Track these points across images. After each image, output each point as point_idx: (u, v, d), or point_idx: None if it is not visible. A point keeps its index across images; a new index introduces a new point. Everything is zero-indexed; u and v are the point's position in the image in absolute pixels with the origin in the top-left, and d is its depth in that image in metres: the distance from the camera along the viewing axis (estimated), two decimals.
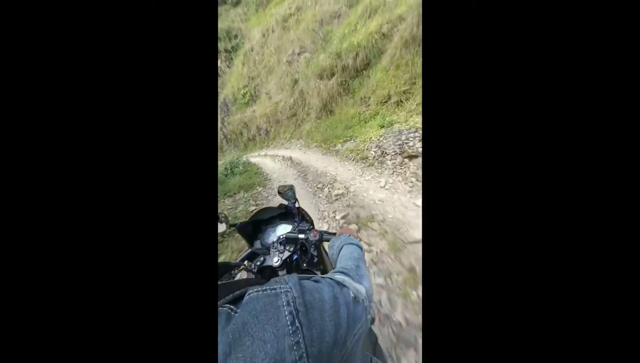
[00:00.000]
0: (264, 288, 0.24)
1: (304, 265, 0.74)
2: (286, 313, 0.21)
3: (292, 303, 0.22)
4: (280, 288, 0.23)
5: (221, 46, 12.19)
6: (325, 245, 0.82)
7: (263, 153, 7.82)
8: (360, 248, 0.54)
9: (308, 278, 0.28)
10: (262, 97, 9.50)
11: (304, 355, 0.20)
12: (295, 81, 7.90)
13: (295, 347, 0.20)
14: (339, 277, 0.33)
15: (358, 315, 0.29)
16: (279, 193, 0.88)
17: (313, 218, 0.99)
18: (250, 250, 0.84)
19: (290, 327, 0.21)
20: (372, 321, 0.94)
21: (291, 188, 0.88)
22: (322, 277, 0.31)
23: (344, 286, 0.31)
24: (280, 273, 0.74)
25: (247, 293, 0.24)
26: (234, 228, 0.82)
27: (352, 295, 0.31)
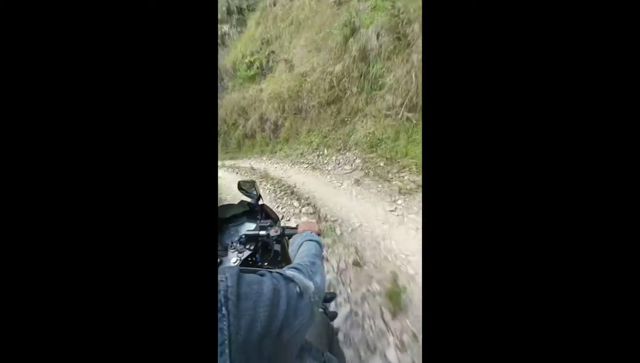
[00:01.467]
0: None
1: (265, 263, 0.72)
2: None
3: (222, 292, 0.23)
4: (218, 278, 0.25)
5: (234, 3, 8.64)
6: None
7: (257, 165, 3.86)
8: (320, 244, 0.56)
9: (255, 272, 0.31)
10: (280, 66, 5.53)
11: (226, 341, 0.22)
12: (348, 35, 3.83)
13: (219, 333, 0.22)
14: (289, 272, 0.35)
15: (300, 310, 0.31)
16: (240, 188, 0.84)
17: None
18: None
19: (218, 314, 0.22)
20: (334, 316, 0.99)
21: (253, 183, 0.84)
22: (271, 271, 0.33)
23: (292, 281, 0.33)
24: None
25: None
26: None
27: (297, 290, 0.32)
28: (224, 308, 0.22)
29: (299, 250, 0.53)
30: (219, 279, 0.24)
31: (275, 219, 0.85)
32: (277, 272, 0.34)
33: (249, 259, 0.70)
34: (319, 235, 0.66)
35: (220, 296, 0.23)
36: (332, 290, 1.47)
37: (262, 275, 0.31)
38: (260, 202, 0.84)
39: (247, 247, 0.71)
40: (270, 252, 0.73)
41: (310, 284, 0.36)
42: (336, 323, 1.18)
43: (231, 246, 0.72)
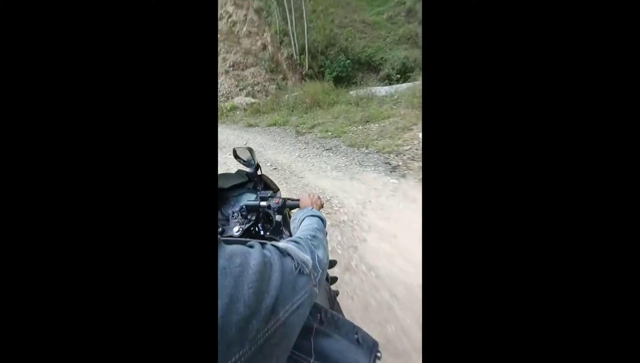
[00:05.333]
0: None
1: (267, 233, 0.71)
2: None
3: None
4: None
5: None
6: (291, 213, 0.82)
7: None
8: (322, 219, 0.54)
9: (243, 243, 0.28)
10: None
11: None
12: None
13: None
14: (284, 245, 0.31)
15: (300, 286, 0.28)
16: (236, 157, 0.81)
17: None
18: None
19: None
20: (334, 281, 0.94)
21: (251, 151, 0.79)
22: (263, 243, 0.29)
23: (287, 254, 0.30)
24: None
25: None
26: None
27: (294, 264, 0.30)
28: None
29: (300, 225, 0.51)
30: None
31: (275, 190, 0.83)
32: (272, 244, 0.30)
33: (251, 229, 0.69)
34: (321, 207, 0.65)
35: None
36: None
37: (250, 246, 0.27)
38: (259, 172, 0.81)
39: (248, 217, 0.70)
40: (271, 223, 0.71)
41: (308, 258, 0.32)
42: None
43: (232, 216, 0.71)
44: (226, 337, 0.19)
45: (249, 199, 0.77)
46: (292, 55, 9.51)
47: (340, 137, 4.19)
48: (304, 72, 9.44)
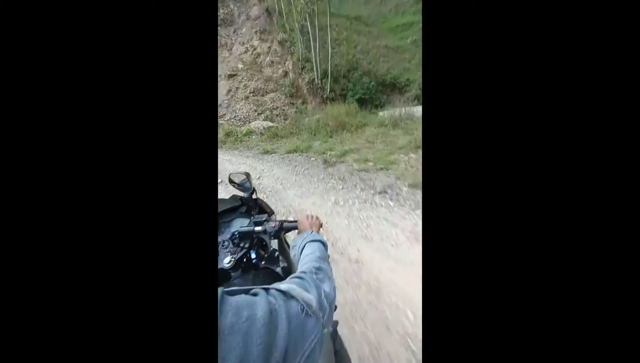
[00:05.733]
0: None
1: (262, 262, 0.64)
2: None
3: None
4: None
5: None
6: (288, 238, 0.79)
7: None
8: (324, 244, 0.51)
9: (246, 292, 0.27)
10: None
11: None
12: None
13: None
14: (285, 286, 0.29)
15: (308, 330, 0.27)
16: (231, 182, 0.78)
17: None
18: None
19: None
20: (335, 325, 0.79)
21: (247, 176, 0.79)
22: (266, 288, 0.28)
23: (291, 296, 0.28)
24: (233, 275, 0.60)
25: None
26: None
27: (299, 307, 0.28)
28: None
29: (302, 254, 0.47)
30: None
31: (270, 213, 0.79)
32: (275, 289, 0.28)
33: (243, 258, 0.62)
34: (320, 227, 0.63)
35: None
36: None
37: (254, 294, 0.26)
38: (254, 196, 0.77)
39: (241, 245, 0.63)
40: (266, 249, 0.65)
41: (312, 297, 0.30)
42: None
43: (223, 246, 0.64)
44: None
45: (241, 225, 0.69)
46: (313, 79, 9.16)
47: (388, 169, 3.00)
48: (325, 96, 8.94)
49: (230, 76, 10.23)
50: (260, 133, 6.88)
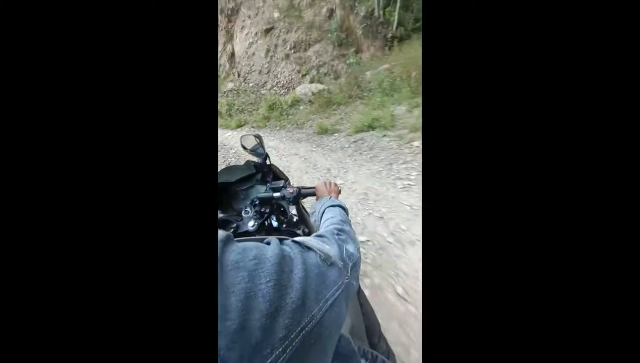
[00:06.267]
0: None
1: (283, 226, 0.66)
2: None
3: None
4: None
5: None
6: (305, 203, 0.79)
7: None
8: (344, 208, 0.50)
9: (260, 240, 0.26)
10: None
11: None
12: None
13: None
14: (302, 239, 0.29)
15: (331, 279, 0.26)
16: (244, 147, 0.78)
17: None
18: (221, 217, 0.71)
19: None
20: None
21: (259, 139, 0.78)
22: (280, 238, 0.28)
23: (308, 248, 0.28)
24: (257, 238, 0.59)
25: None
26: None
27: (318, 257, 0.27)
28: None
29: (322, 219, 0.47)
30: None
31: (285, 180, 0.79)
32: (292, 240, 0.28)
33: (264, 223, 0.65)
34: (339, 193, 0.64)
35: None
36: None
37: (267, 243, 0.26)
38: (267, 162, 0.78)
39: (262, 211, 0.66)
40: (286, 215, 0.67)
41: (332, 250, 0.30)
42: None
43: (245, 211, 0.66)
44: (249, 337, 0.17)
45: (259, 191, 0.72)
46: (371, 11, 6.56)
47: None
48: (389, 35, 6.40)
49: (267, 31, 8.48)
50: (310, 101, 5.35)
